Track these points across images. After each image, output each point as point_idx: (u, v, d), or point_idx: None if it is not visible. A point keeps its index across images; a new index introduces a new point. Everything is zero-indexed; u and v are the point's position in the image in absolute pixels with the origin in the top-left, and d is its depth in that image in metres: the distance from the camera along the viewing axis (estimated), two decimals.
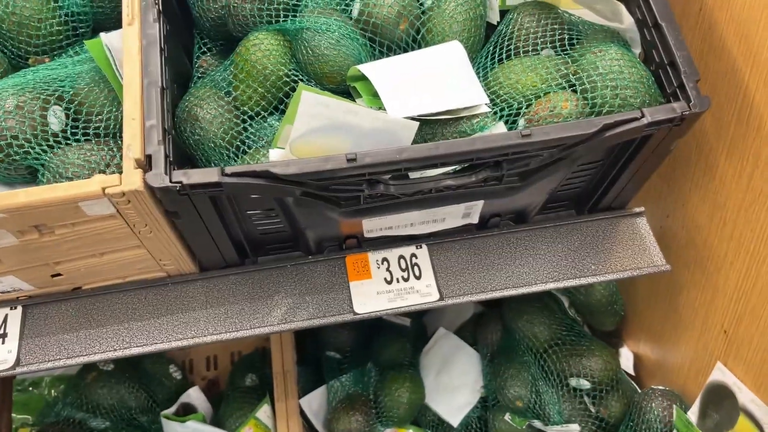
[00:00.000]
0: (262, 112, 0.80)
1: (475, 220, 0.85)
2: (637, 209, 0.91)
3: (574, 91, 0.76)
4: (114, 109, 0.75)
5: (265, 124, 0.81)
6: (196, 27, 0.91)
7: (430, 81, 0.74)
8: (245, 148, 0.78)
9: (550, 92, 0.76)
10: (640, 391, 1.14)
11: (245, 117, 0.80)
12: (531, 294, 0.86)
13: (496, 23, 0.85)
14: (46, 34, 0.80)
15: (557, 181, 0.82)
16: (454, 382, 1.21)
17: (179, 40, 0.86)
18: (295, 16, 0.81)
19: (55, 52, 0.82)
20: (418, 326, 1.33)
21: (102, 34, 0.75)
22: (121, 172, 0.64)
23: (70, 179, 0.70)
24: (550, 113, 0.74)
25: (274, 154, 0.73)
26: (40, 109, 0.71)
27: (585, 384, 1.09)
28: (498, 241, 0.88)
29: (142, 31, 0.72)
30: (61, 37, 0.81)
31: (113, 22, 0.84)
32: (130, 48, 0.71)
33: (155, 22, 0.73)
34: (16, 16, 0.78)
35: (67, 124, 0.73)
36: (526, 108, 0.75)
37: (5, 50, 0.80)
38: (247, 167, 0.66)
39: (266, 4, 0.80)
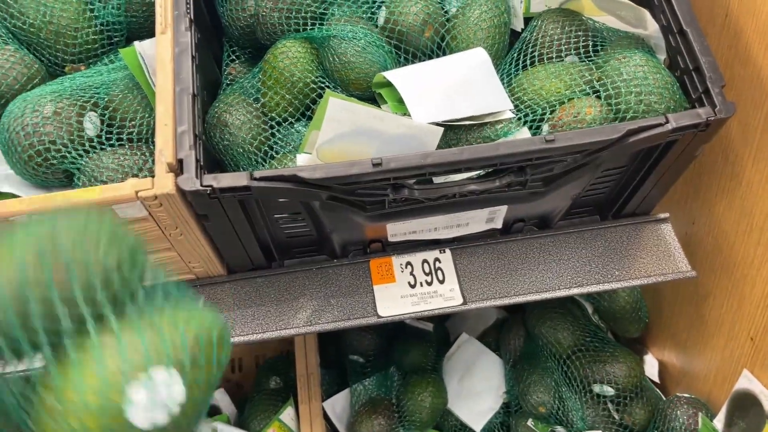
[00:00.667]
0: (290, 118, 0.82)
1: (498, 225, 0.86)
2: (662, 215, 0.91)
3: (598, 97, 0.76)
4: (147, 115, 0.77)
5: (293, 130, 0.82)
6: (225, 35, 0.93)
7: (455, 87, 0.75)
8: (273, 153, 0.80)
9: (574, 98, 0.76)
10: (664, 398, 1.13)
11: (273, 123, 0.82)
12: (554, 299, 0.86)
13: (520, 30, 0.86)
14: (82, 42, 0.83)
15: (581, 187, 0.82)
16: (476, 387, 1.21)
17: (209, 48, 0.88)
18: (322, 25, 0.82)
19: (90, 60, 0.85)
20: (441, 331, 1.34)
21: (136, 43, 0.78)
22: (153, 176, 0.66)
23: (105, 183, 0.72)
24: (573, 119, 0.74)
25: (301, 159, 0.74)
26: (76, 115, 0.74)
27: (609, 390, 1.09)
28: (521, 246, 0.89)
29: (174, 40, 0.75)
30: (97, 45, 0.84)
31: (146, 31, 0.86)
32: (163, 56, 0.73)
33: (187, 31, 0.75)
34: (54, 25, 0.81)
35: (102, 130, 0.76)
36: (550, 114, 0.76)
37: (42, 58, 0.82)
38: (275, 171, 0.67)
39: (294, 13, 0.82)
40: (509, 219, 0.86)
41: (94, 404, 0.34)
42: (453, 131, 0.75)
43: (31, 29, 0.81)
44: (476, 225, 0.85)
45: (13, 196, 0.74)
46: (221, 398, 1.26)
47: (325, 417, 1.19)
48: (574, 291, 0.85)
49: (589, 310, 1.19)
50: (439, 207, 0.79)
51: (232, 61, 0.94)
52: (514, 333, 1.22)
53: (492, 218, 0.84)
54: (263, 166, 0.80)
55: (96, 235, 0.38)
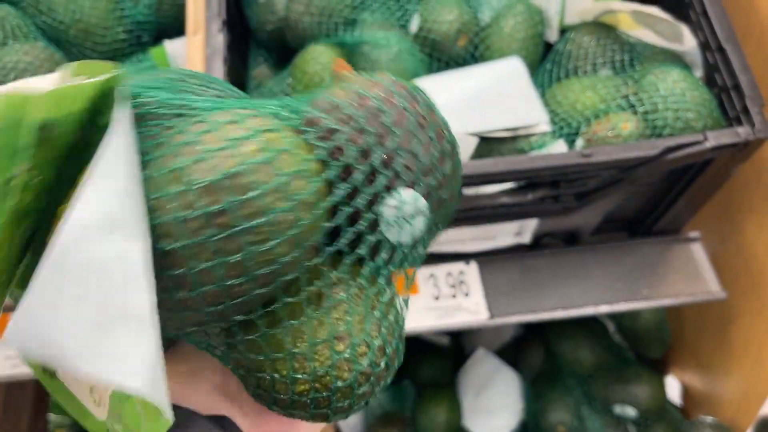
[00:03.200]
0: None
1: (527, 239, 0.84)
2: (693, 234, 0.89)
3: (634, 112, 0.75)
4: None
5: None
6: (252, 38, 0.92)
7: (489, 97, 0.74)
8: None
9: (609, 112, 0.75)
10: (687, 421, 1.11)
11: None
12: (582, 317, 0.84)
13: (553, 42, 0.85)
14: (111, 41, 0.82)
15: (614, 203, 0.80)
16: (493, 403, 1.19)
17: (237, 49, 0.87)
18: (353, 30, 0.81)
19: (118, 59, 0.84)
20: (457, 345, 1.31)
21: (166, 42, 0.77)
22: None
23: None
24: (609, 134, 0.73)
25: None
26: None
27: (630, 412, 1.07)
28: (549, 261, 0.87)
29: (206, 41, 0.74)
30: (125, 44, 0.83)
31: (174, 30, 0.85)
32: (194, 57, 0.72)
33: (219, 33, 0.74)
34: (83, 23, 0.80)
35: None
36: (585, 127, 0.75)
37: (71, 55, 0.82)
38: None
39: (326, 18, 0.81)
40: (538, 233, 0.84)
41: None
42: (486, 141, 0.74)
43: (61, 26, 0.80)
44: (504, 238, 0.83)
45: None
46: None
47: (338, 430, 1.17)
48: (603, 309, 0.84)
49: (611, 328, 1.17)
50: (467, 218, 0.77)
51: (259, 64, 0.93)
52: (532, 349, 1.20)
53: (520, 232, 0.82)
54: None
55: None
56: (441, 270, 0.86)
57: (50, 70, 0.76)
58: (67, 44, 0.81)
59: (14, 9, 0.80)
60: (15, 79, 0.74)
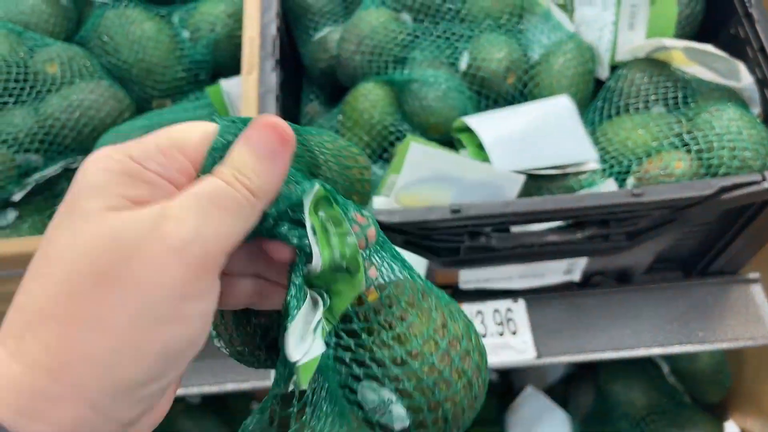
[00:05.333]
0: None
1: (576, 277, 0.83)
2: (752, 275, 0.86)
3: (688, 151, 0.73)
4: None
5: None
6: (305, 75, 0.95)
7: (538, 134, 0.74)
8: None
9: (662, 151, 0.73)
10: None
11: None
12: (633, 358, 0.82)
13: (604, 79, 0.84)
14: (171, 79, 0.85)
15: (666, 243, 0.78)
16: None
17: (290, 86, 0.90)
18: (403, 68, 0.83)
19: (176, 96, 0.87)
20: (505, 382, 1.29)
21: (222, 81, 0.80)
22: None
23: None
24: (662, 172, 0.71)
25: (378, 202, 0.74)
26: None
27: None
28: (599, 301, 0.85)
29: (260, 80, 0.76)
30: (183, 82, 0.87)
31: (230, 69, 0.88)
32: (249, 95, 0.75)
33: (273, 72, 0.77)
34: (145, 63, 0.84)
35: None
36: (637, 166, 0.73)
37: (132, 93, 0.85)
38: None
39: (376, 56, 0.83)
40: (588, 271, 0.83)
41: None
42: (534, 179, 0.74)
43: (124, 66, 0.84)
44: (553, 276, 0.82)
45: None
46: None
47: None
48: (655, 351, 0.81)
49: (665, 369, 1.13)
50: (516, 256, 0.76)
51: (311, 100, 0.95)
52: (583, 388, 1.17)
53: (570, 270, 0.81)
54: None
55: None
56: (488, 307, 0.85)
57: (113, 108, 0.80)
58: (130, 83, 0.85)
59: (82, 49, 0.85)
60: (80, 116, 0.78)
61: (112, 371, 0.24)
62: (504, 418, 1.21)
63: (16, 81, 0.79)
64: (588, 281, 0.86)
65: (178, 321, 0.25)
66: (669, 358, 1.13)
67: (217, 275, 0.26)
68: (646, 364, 1.12)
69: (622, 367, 1.10)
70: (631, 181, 0.74)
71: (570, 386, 1.22)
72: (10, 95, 0.78)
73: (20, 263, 0.69)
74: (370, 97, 0.81)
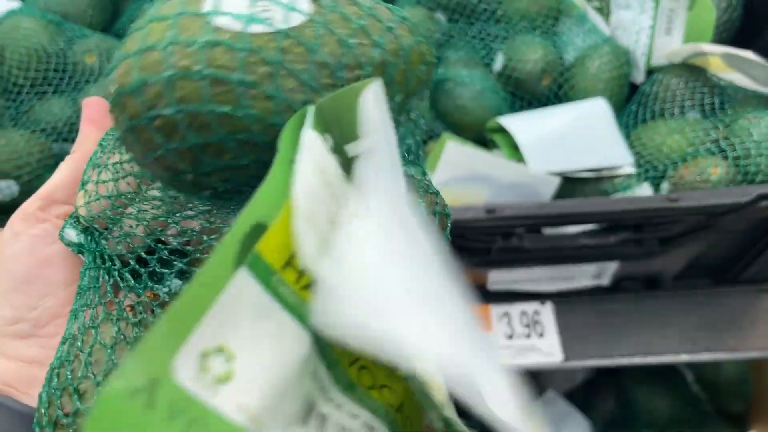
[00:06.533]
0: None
1: (606, 281, 0.83)
2: None
3: (725, 157, 0.73)
4: None
5: None
6: None
7: (573, 137, 0.73)
8: None
9: (697, 156, 0.73)
10: None
11: None
12: (661, 365, 0.81)
13: (639, 83, 0.84)
14: None
15: (698, 249, 0.78)
16: None
17: None
18: (437, 67, 0.83)
19: None
20: (524, 386, 1.29)
21: None
22: None
23: None
24: (697, 178, 0.71)
25: None
26: None
27: None
28: (628, 306, 0.85)
29: None
30: None
31: None
32: None
33: None
34: None
35: None
36: (672, 171, 0.73)
37: None
38: None
39: None
40: (617, 276, 0.83)
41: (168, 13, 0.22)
42: (568, 182, 0.73)
43: None
44: (582, 280, 0.82)
45: None
46: None
47: None
48: (684, 358, 0.81)
49: (690, 378, 1.12)
50: (546, 258, 0.76)
51: None
52: (604, 394, 1.16)
53: (599, 274, 0.81)
54: None
55: None
56: (515, 309, 0.85)
57: None
58: None
59: (120, 41, 0.85)
60: None
61: None
62: None
63: (56, 71, 0.80)
64: (617, 286, 0.86)
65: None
66: (693, 367, 1.12)
67: (33, 216, 0.34)
68: (670, 371, 1.11)
69: (645, 374, 1.09)
70: (665, 186, 0.73)
71: (591, 392, 1.21)
72: (49, 84, 0.79)
73: None
74: None
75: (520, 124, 0.74)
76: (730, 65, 0.79)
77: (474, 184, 0.70)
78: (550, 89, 0.80)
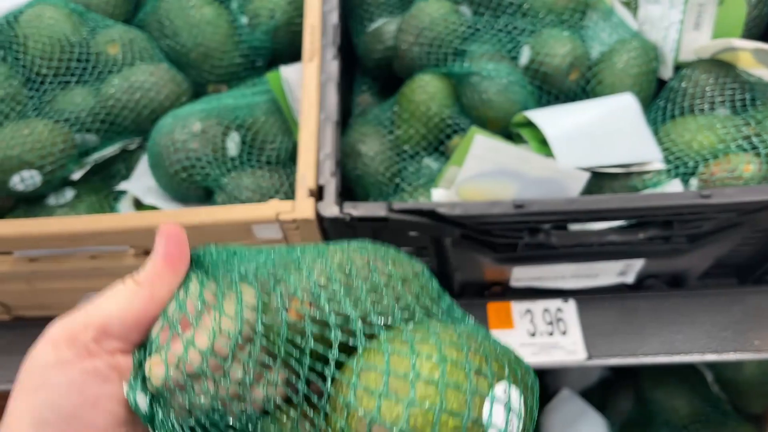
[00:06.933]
0: (421, 152, 0.81)
1: (630, 279, 0.82)
2: None
3: (757, 154, 0.71)
4: (285, 140, 0.79)
5: (422, 164, 0.82)
6: (357, 65, 0.94)
7: (602, 132, 0.72)
8: (403, 185, 0.79)
9: (729, 153, 0.72)
10: None
11: (405, 155, 0.81)
12: (681, 364, 0.80)
13: (667, 79, 0.82)
14: (228, 65, 0.85)
15: (726, 247, 0.77)
16: None
17: (345, 76, 0.89)
18: (462, 61, 0.82)
19: (232, 82, 0.87)
20: (540, 383, 1.28)
21: (282, 68, 0.80)
22: (288, 199, 0.67)
23: (243, 202, 0.73)
24: (729, 175, 0.70)
25: (438, 194, 0.73)
26: (221, 135, 0.75)
27: None
28: (652, 304, 0.84)
29: (321, 68, 0.76)
30: (240, 68, 0.87)
31: (288, 56, 0.88)
32: (309, 83, 0.74)
33: (334, 60, 0.76)
34: (203, 47, 0.84)
35: (243, 150, 0.77)
36: (703, 168, 0.72)
37: (189, 77, 0.85)
38: (414, 205, 0.66)
39: (435, 48, 0.82)
40: (642, 274, 0.82)
41: (457, 409, 0.28)
42: (596, 178, 0.72)
43: (182, 49, 0.84)
44: (606, 277, 0.81)
45: (154, 208, 0.77)
46: None
47: None
48: (709, 358, 0.80)
49: (710, 378, 1.11)
50: (571, 255, 0.75)
51: (363, 91, 0.95)
52: (622, 393, 1.16)
53: (624, 272, 0.80)
54: (392, 197, 0.79)
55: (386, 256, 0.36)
56: (538, 306, 0.84)
57: (172, 91, 0.80)
58: (186, 67, 0.85)
59: (141, 32, 0.85)
60: (140, 97, 0.78)
61: None
62: (538, 419, 1.20)
63: (79, 61, 0.79)
64: (640, 284, 0.85)
65: (44, 388, 0.30)
66: (713, 366, 1.11)
67: (84, 346, 0.32)
68: (690, 371, 1.10)
69: (664, 374, 1.08)
70: (695, 182, 0.72)
71: (608, 391, 1.20)
72: (73, 75, 0.79)
73: (76, 241, 0.70)
74: (427, 89, 0.80)
75: (547, 119, 0.73)
76: (760, 61, 0.77)
77: (502, 178, 0.69)
78: (577, 84, 0.79)
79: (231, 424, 0.32)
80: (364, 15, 0.93)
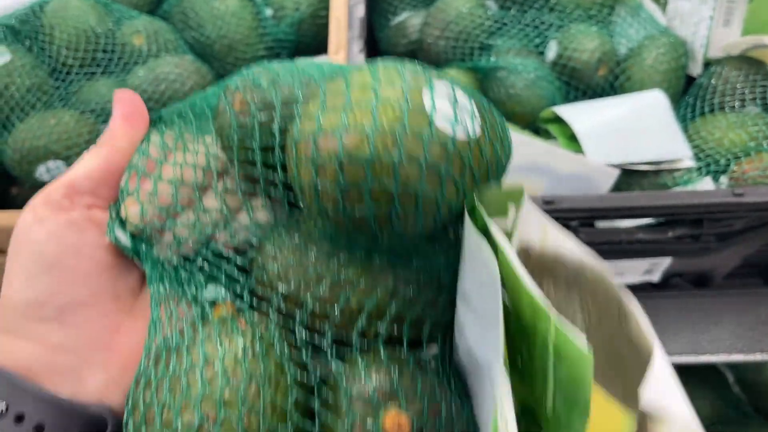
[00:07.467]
0: None
1: (656, 278, 0.81)
2: None
3: None
4: None
5: None
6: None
7: (631, 128, 0.72)
8: None
9: (761, 151, 0.71)
10: None
11: None
12: (711, 364, 0.79)
13: (696, 75, 0.82)
14: (252, 57, 0.85)
15: (755, 247, 0.76)
16: None
17: None
18: (488, 55, 0.81)
19: None
20: None
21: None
22: None
23: None
24: (761, 173, 0.69)
25: None
26: None
27: None
28: (677, 303, 0.83)
29: (347, 61, 0.75)
30: (264, 60, 0.86)
31: (312, 49, 0.88)
32: None
33: (360, 53, 0.76)
34: (228, 39, 0.83)
35: None
36: (734, 166, 0.71)
37: (213, 69, 0.85)
38: None
39: (461, 42, 0.82)
40: (668, 272, 0.81)
41: (395, 99, 0.27)
42: (625, 175, 0.72)
43: (207, 41, 0.84)
44: (632, 275, 0.80)
45: None
46: None
47: None
48: (736, 358, 0.79)
49: (731, 379, 1.10)
50: (599, 253, 0.74)
51: None
52: None
53: (651, 270, 0.79)
54: None
55: None
56: None
57: (196, 83, 0.80)
58: (210, 58, 0.85)
59: (165, 23, 0.85)
60: (165, 89, 0.78)
61: (8, 300, 0.32)
62: None
63: (104, 51, 0.79)
64: (665, 283, 0.84)
65: (27, 244, 0.33)
66: (734, 368, 1.10)
67: (57, 203, 0.34)
68: (711, 372, 1.09)
69: (685, 374, 1.07)
70: (724, 180, 0.72)
71: None
72: (98, 65, 0.79)
73: None
74: None
75: (576, 114, 0.72)
76: None
77: (531, 174, 0.68)
78: (606, 80, 0.78)
79: (221, 253, 0.33)
80: (388, 9, 0.92)
